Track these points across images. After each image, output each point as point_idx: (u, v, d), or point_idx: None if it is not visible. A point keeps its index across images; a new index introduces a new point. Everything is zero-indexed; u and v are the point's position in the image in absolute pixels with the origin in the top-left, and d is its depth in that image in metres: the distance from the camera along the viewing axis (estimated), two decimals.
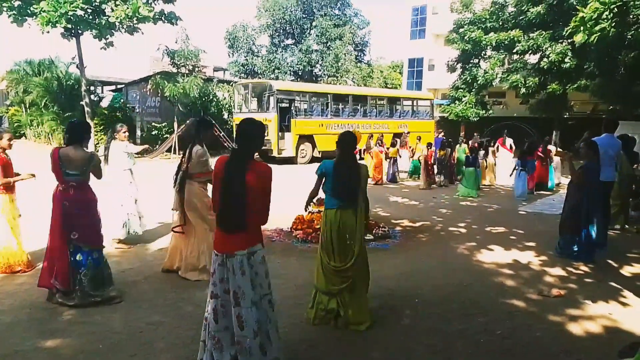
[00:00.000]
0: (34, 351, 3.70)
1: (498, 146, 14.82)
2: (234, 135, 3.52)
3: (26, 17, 16.70)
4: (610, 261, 6.41)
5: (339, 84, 35.99)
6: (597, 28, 9.28)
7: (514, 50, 22.83)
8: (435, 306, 4.78)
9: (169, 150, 20.33)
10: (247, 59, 39.17)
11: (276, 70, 38.20)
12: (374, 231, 7.40)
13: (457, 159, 14.70)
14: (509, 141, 14.25)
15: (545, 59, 21.19)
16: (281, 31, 39.97)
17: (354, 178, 4.17)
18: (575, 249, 6.38)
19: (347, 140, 4.30)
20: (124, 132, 6.81)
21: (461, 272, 5.92)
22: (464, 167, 12.83)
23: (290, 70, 39.32)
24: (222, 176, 3.16)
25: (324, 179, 4.33)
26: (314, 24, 39.25)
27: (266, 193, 3.18)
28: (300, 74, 39.27)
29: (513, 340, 4.08)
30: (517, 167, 11.86)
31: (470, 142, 14.70)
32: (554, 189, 13.33)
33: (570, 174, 6.65)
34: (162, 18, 18.20)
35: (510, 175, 12.29)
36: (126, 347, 3.81)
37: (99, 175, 4.79)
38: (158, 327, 4.15)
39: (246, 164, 3.13)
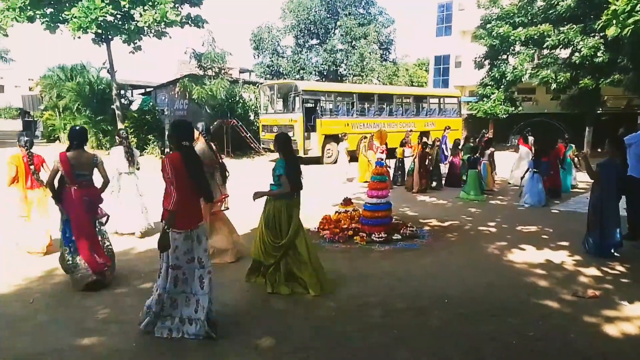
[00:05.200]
0: (69, 349, 3.81)
1: (518, 145, 13.88)
2: (171, 136, 4.18)
3: (58, 24, 17.23)
4: None
5: (364, 83, 35.85)
6: (630, 21, 8.98)
7: (544, 45, 22.30)
8: (465, 307, 4.70)
9: None
10: (272, 60, 39.39)
11: (301, 71, 38.30)
12: (401, 231, 7.34)
13: (461, 159, 13.16)
14: (531, 139, 13.55)
15: (576, 54, 20.66)
16: (306, 32, 40.04)
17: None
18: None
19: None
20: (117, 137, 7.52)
21: (491, 273, 5.82)
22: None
23: (315, 70, 39.37)
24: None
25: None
26: (338, 23, 39.19)
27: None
28: (325, 74, 39.28)
29: (546, 343, 3.99)
30: (529, 169, 10.52)
31: (477, 140, 13.53)
32: (571, 191, 12.15)
33: (587, 173, 6.55)
34: (189, 22, 18.51)
35: (522, 178, 11.17)
36: (157, 345, 3.88)
37: (106, 177, 5.38)
38: None
39: None
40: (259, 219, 5.26)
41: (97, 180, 5.30)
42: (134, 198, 7.29)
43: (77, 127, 5.45)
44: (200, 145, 5.92)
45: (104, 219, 5.43)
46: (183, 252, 3.96)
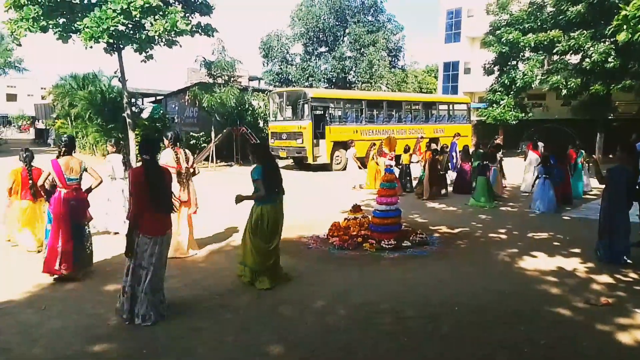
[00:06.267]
0: (81, 356, 3.84)
1: (527, 151, 13.79)
2: (142, 149, 4.56)
3: (71, 34, 17.44)
4: None
5: (373, 90, 35.87)
6: None
7: (554, 51, 22.23)
8: (476, 314, 4.68)
9: (207, 159, 20.75)
10: (281, 68, 39.57)
11: (310, 78, 38.40)
12: (411, 238, 7.32)
13: (472, 166, 12.91)
14: (540, 145, 13.48)
15: (587, 59, 20.54)
16: (315, 39, 40.19)
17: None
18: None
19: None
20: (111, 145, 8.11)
21: (502, 280, 5.78)
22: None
23: (324, 77, 39.44)
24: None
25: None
26: (347, 31, 39.31)
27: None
28: (334, 81, 39.34)
29: (558, 351, 3.95)
30: (540, 176, 10.43)
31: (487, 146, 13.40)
32: (582, 197, 12.01)
33: (597, 178, 6.53)
34: (199, 30, 18.65)
35: (533, 185, 11.20)
36: (168, 352, 3.91)
37: (99, 177, 5.81)
38: (199, 333, 4.23)
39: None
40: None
41: (88, 184, 5.80)
42: (124, 201, 7.62)
43: (66, 136, 5.88)
44: (165, 154, 6.34)
45: (91, 222, 5.92)
46: (150, 254, 4.41)
